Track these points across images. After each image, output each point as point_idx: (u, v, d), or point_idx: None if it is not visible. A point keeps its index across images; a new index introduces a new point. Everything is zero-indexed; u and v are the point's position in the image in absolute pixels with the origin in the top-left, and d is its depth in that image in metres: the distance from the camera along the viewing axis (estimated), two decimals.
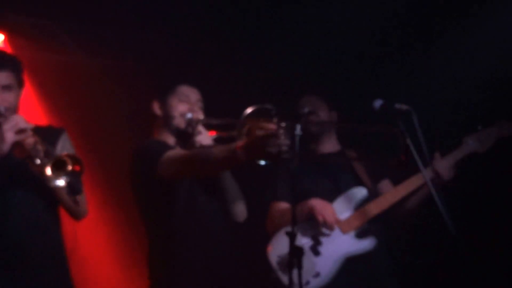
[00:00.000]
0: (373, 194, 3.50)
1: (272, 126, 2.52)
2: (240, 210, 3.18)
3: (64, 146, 3.09)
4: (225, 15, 4.69)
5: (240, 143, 2.59)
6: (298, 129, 2.65)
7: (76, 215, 3.08)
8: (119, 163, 4.83)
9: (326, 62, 4.69)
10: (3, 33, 4.92)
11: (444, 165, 3.32)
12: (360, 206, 3.45)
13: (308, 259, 3.16)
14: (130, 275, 4.89)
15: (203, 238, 3.01)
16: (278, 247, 3.32)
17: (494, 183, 4.09)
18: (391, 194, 3.42)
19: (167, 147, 3.04)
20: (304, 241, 3.28)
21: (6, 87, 2.89)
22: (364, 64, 4.66)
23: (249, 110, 2.71)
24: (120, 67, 5.26)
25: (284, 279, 3.23)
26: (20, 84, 3.02)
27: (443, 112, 4.32)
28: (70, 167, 2.74)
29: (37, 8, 4.71)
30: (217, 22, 4.75)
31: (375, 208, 3.37)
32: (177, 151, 2.99)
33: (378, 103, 3.12)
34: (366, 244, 3.36)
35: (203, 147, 2.96)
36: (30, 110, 5.01)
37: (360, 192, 3.46)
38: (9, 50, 4.84)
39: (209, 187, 3.11)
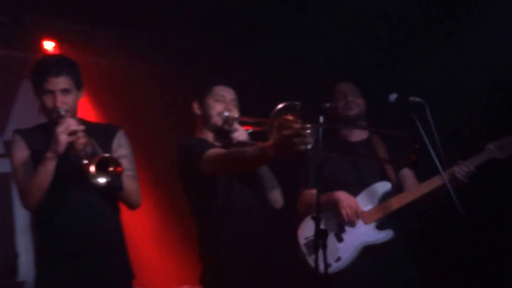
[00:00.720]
0: (396, 188, 3.59)
1: (297, 125, 2.65)
2: (277, 197, 3.26)
3: (119, 143, 3.18)
4: (252, 21, 4.75)
5: (269, 142, 2.69)
6: (321, 121, 2.77)
7: (130, 206, 3.17)
8: (161, 158, 5.08)
9: (347, 57, 4.70)
10: (53, 41, 5.11)
11: (464, 170, 3.38)
12: (383, 199, 3.56)
13: (333, 244, 3.31)
14: (179, 258, 4.92)
15: (242, 223, 3.09)
16: (306, 230, 3.49)
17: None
18: (412, 192, 3.52)
19: (207, 145, 3.12)
20: (330, 228, 3.39)
21: (65, 91, 2.97)
22: (381, 59, 4.64)
23: (279, 106, 2.81)
24: (160, 70, 5.38)
25: (309, 259, 3.41)
26: (78, 87, 3.09)
27: (457, 105, 4.31)
28: (111, 168, 2.86)
29: (83, 17, 4.92)
30: (246, 26, 4.80)
31: (395, 203, 3.49)
32: (216, 151, 3.05)
33: (393, 96, 3.22)
34: (384, 235, 3.49)
35: (239, 143, 3.07)
36: (79, 109, 5.51)
37: (384, 186, 3.57)
38: None
39: (246, 176, 3.18)
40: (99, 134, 3.05)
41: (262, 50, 5.00)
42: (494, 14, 4.16)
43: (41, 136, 3.07)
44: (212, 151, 3.01)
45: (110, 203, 3.11)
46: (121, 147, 3.16)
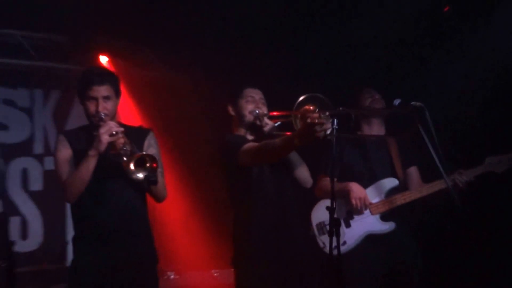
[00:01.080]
0: (402, 185, 3.63)
1: (315, 114, 2.74)
2: (307, 177, 3.32)
3: (150, 143, 3.24)
4: (271, 31, 4.76)
5: (294, 133, 2.84)
6: (335, 120, 2.82)
7: (158, 199, 3.23)
8: (193, 156, 5.29)
9: (357, 68, 4.69)
10: (107, 56, 5.37)
11: (464, 179, 3.45)
12: (389, 194, 3.58)
13: (341, 229, 3.25)
14: (206, 244, 4.92)
15: (273, 209, 3.17)
16: (318, 213, 3.57)
17: (506, 198, 4.02)
18: (416, 192, 3.58)
19: (243, 141, 3.22)
20: (340, 214, 3.42)
21: (106, 98, 3.05)
22: (388, 68, 4.66)
23: (300, 98, 2.92)
24: (195, 80, 5.43)
25: (319, 240, 3.50)
26: (117, 94, 3.16)
27: (454, 109, 4.25)
28: (148, 164, 2.90)
29: (132, 36, 5.07)
30: (268, 35, 4.83)
31: (400, 199, 3.55)
32: (250, 145, 3.16)
33: (397, 101, 3.25)
34: (387, 226, 3.54)
35: (270, 135, 3.19)
36: (128, 114, 5.38)
37: (391, 182, 3.61)
38: (111, 68, 5.24)
39: (277, 165, 3.24)
40: (133, 135, 3.08)
41: (286, 54, 4.97)
42: (491, 22, 4.11)
43: (82, 137, 3.14)
44: (247, 146, 3.15)
45: (140, 197, 3.16)
46: (151, 147, 3.21)
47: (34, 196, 5.13)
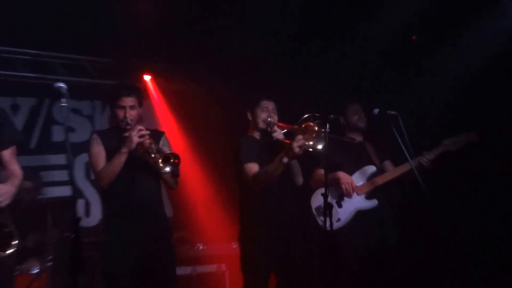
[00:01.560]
0: (379, 170, 3.78)
1: (315, 128, 3.04)
2: (300, 179, 3.50)
3: (164, 143, 3.30)
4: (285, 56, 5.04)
5: (282, 153, 3.05)
6: (327, 125, 3.11)
7: (171, 187, 3.31)
8: (216, 154, 5.49)
9: (349, 82, 4.86)
10: (150, 75, 5.67)
11: (427, 159, 3.56)
12: (370, 178, 3.74)
13: (334, 209, 3.46)
14: (224, 221, 5.09)
15: (273, 200, 3.33)
16: (316, 200, 3.74)
17: (462, 171, 4.18)
18: (390, 173, 3.75)
19: (250, 156, 3.31)
20: (333, 197, 3.58)
21: (132, 107, 3.18)
22: (369, 82, 4.85)
23: (305, 116, 3.19)
24: (219, 93, 5.69)
25: (318, 220, 3.65)
26: (140, 104, 3.23)
27: (424, 116, 4.45)
28: (172, 160, 3.00)
29: (170, 58, 5.44)
30: (282, 56, 5.12)
31: (379, 180, 3.73)
32: (251, 170, 3.26)
33: (376, 110, 3.47)
34: (371, 203, 3.70)
35: (277, 140, 3.34)
36: (165, 119, 5.78)
37: (371, 168, 3.80)
38: (154, 86, 5.71)
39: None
40: (151, 136, 3.15)
41: (293, 76, 5.17)
42: (456, 44, 4.27)
43: (111, 136, 3.23)
44: (249, 167, 3.26)
45: (157, 186, 3.25)
46: (164, 146, 3.28)
47: (94, 183, 5.32)
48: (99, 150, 3.14)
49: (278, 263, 3.24)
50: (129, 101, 3.17)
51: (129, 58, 5.41)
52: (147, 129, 3.10)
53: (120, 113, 3.16)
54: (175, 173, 2.97)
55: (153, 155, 2.98)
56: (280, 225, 3.26)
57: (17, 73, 4.99)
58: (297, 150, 2.97)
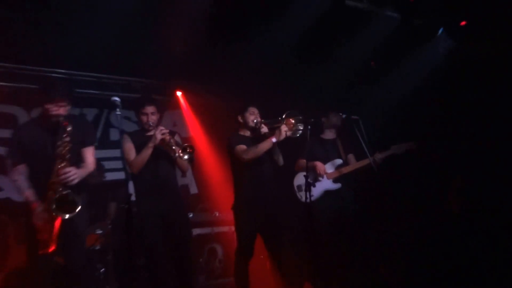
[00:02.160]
0: (345, 162, 4.29)
1: (292, 120, 3.44)
2: (280, 160, 3.80)
3: (177, 140, 3.64)
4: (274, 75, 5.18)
5: (273, 132, 3.35)
6: (309, 127, 3.53)
7: (184, 171, 3.71)
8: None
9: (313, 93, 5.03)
10: (181, 91, 6.22)
11: (379, 157, 4.03)
12: (338, 167, 4.29)
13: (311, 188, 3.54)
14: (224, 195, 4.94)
15: (258, 178, 3.71)
16: (298, 180, 4.34)
17: (404, 169, 4.55)
18: (354, 165, 4.27)
19: (238, 141, 3.62)
20: (310, 179, 3.89)
21: (153, 113, 3.59)
22: (342, 93, 5.14)
23: (285, 114, 3.67)
24: (233, 103, 5.28)
25: (298, 195, 4.24)
26: (158, 111, 3.62)
27: (380, 120, 4.82)
28: (188, 150, 3.42)
29: (196, 77, 5.81)
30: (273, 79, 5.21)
31: (345, 170, 4.25)
32: (241, 147, 3.61)
33: (343, 115, 4.02)
34: (337, 186, 4.26)
35: (264, 134, 3.69)
36: (195, 128, 6.29)
37: (339, 161, 4.34)
38: (184, 100, 6.21)
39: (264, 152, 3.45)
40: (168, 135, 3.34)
41: (279, 89, 5.41)
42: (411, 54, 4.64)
43: (138, 136, 3.60)
44: (239, 147, 3.61)
45: (174, 171, 3.58)
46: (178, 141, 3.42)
47: None
48: (129, 147, 3.54)
49: (262, 224, 3.62)
50: (150, 109, 3.60)
51: (165, 77, 5.86)
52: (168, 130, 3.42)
53: (144, 118, 3.60)
54: (191, 159, 3.40)
55: (174, 147, 3.39)
56: (262, 198, 3.64)
57: (84, 90, 5.54)
58: (283, 132, 3.45)
